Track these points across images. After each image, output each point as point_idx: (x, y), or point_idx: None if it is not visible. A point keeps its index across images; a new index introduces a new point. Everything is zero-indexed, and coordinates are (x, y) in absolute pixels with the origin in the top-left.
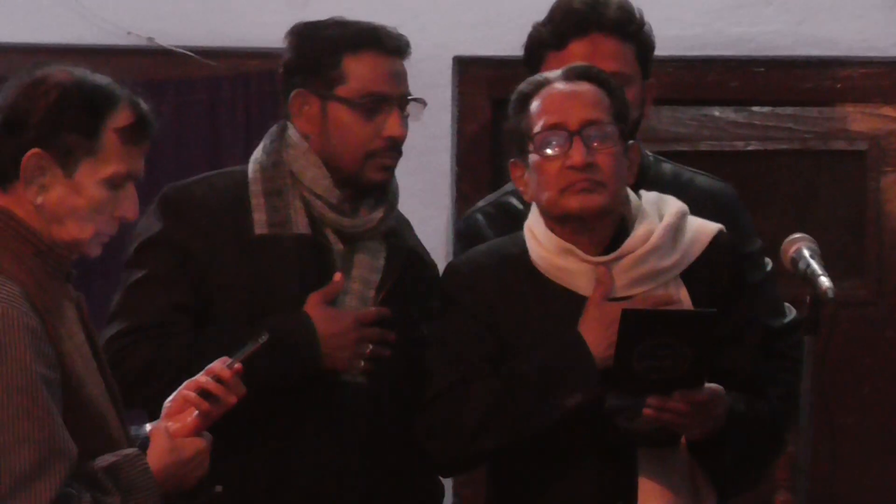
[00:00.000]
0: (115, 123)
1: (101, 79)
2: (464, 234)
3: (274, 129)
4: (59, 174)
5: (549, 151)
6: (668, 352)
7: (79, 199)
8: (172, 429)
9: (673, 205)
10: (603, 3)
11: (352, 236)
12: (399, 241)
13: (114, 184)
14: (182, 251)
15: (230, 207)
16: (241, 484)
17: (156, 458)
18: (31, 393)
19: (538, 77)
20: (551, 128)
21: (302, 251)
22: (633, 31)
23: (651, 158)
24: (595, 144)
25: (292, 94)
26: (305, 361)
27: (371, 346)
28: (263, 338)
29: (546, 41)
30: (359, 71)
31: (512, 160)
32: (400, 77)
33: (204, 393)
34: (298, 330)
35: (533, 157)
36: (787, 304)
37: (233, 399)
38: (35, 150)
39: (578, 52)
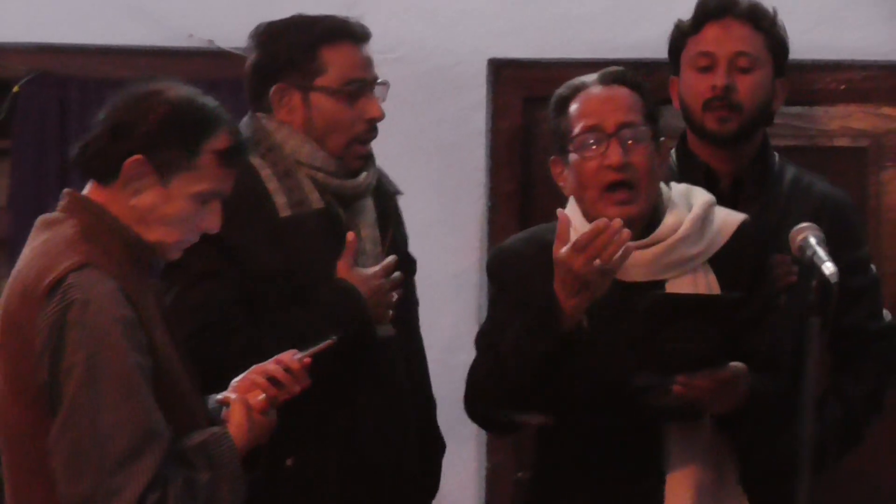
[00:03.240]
0: (214, 145)
1: (209, 102)
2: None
3: (245, 120)
4: (156, 182)
5: (587, 152)
6: (694, 334)
7: (169, 207)
8: (252, 403)
9: (700, 196)
10: None
11: (350, 199)
12: (379, 191)
13: (203, 199)
14: (223, 246)
15: (251, 196)
16: (311, 455)
17: (236, 430)
18: (129, 379)
19: (575, 81)
20: (589, 130)
21: (322, 224)
22: (766, 25)
23: (777, 159)
24: (630, 144)
25: (272, 89)
26: (360, 323)
27: (395, 295)
28: (334, 337)
29: (685, 30)
30: (337, 60)
31: (552, 158)
32: (370, 63)
33: (272, 380)
34: (347, 298)
35: (573, 157)
36: (885, 311)
37: (297, 389)
38: (138, 156)
39: (712, 33)
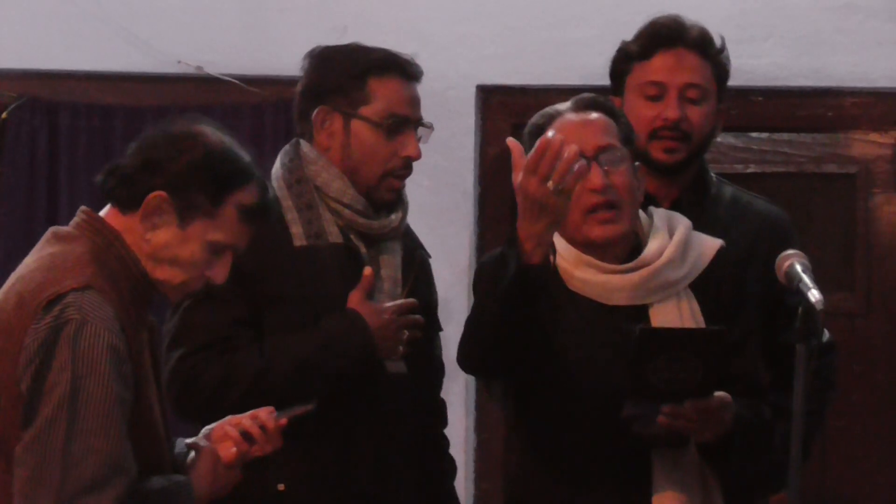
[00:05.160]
0: (240, 199)
1: (243, 155)
2: None
3: (287, 147)
4: (174, 221)
5: None
6: (681, 365)
7: (182, 249)
8: (222, 455)
9: (681, 221)
10: (688, 24)
11: (376, 238)
12: (409, 239)
13: (216, 249)
14: (233, 268)
15: (267, 223)
16: (304, 482)
17: (200, 479)
18: (108, 410)
19: (549, 110)
20: None
21: (338, 258)
22: (713, 54)
23: (714, 179)
24: (609, 168)
25: (315, 110)
26: (363, 353)
27: (407, 332)
28: (313, 404)
29: (633, 54)
30: (383, 92)
31: None
32: (417, 102)
33: (245, 435)
34: (353, 327)
35: None
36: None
37: (269, 448)
38: (162, 192)
39: (664, 62)
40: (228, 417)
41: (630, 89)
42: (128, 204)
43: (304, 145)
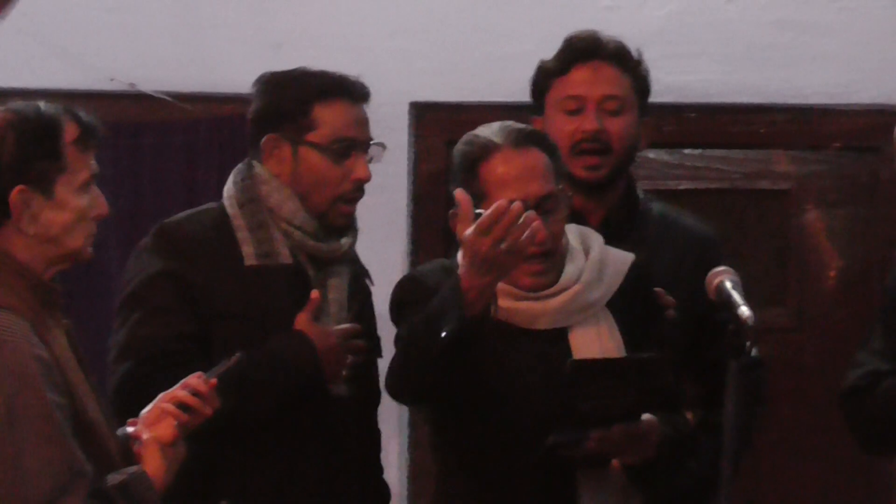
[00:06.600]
0: (69, 138)
1: (41, 105)
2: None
3: (240, 166)
4: (42, 200)
5: None
6: (612, 392)
7: (65, 214)
8: (161, 439)
9: (595, 238)
10: (605, 38)
11: (325, 261)
12: (357, 265)
13: (85, 189)
14: (183, 283)
15: (219, 241)
16: (247, 498)
17: (153, 469)
18: (49, 420)
19: (483, 139)
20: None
21: (287, 279)
22: (632, 65)
23: (642, 197)
24: (549, 216)
25: (264, 138)
26: (310, 375)
27: (350, 357)
28: (236, 356)
29: (551, 71)
30: (329, 118)
31: (452, 211)
32: (364, 123)
33: (182, 405)
34: (301, 348)
35: None
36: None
37: (209, 411)
38: (16, 188)
39: (581, 75)
40: (161, 395)
41: (550, 106)
42: None
43: (257, 166)
